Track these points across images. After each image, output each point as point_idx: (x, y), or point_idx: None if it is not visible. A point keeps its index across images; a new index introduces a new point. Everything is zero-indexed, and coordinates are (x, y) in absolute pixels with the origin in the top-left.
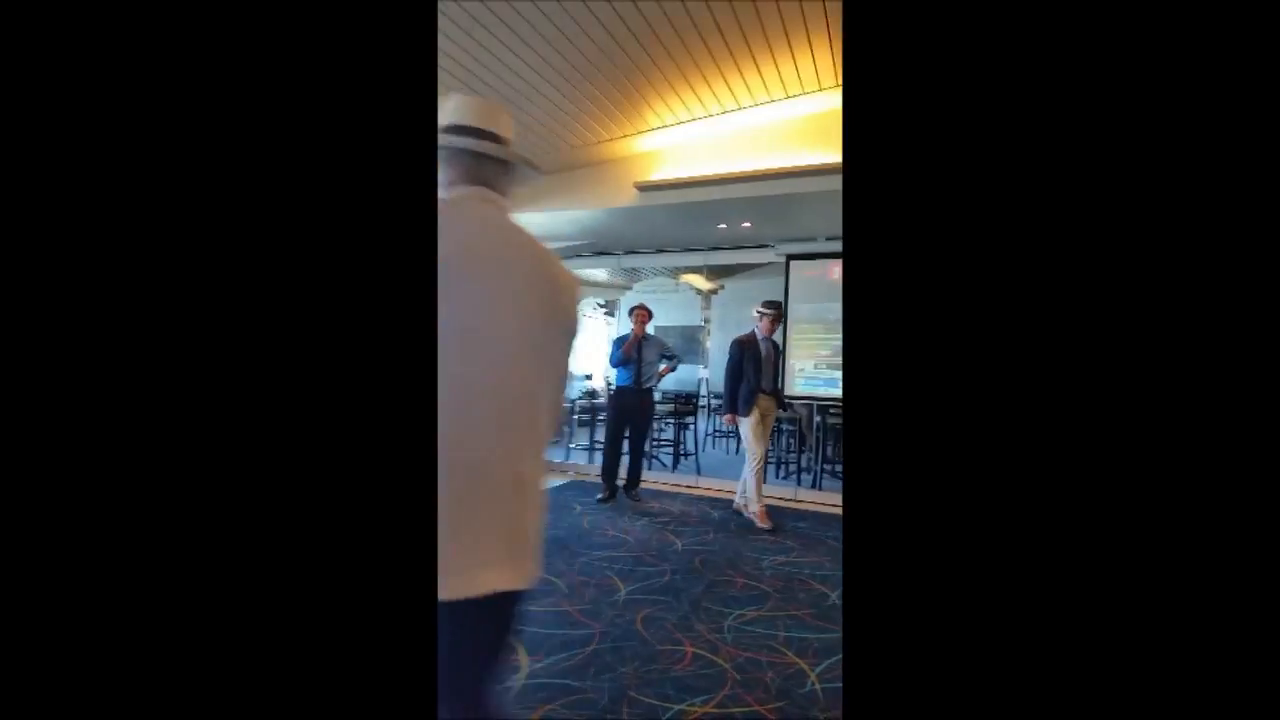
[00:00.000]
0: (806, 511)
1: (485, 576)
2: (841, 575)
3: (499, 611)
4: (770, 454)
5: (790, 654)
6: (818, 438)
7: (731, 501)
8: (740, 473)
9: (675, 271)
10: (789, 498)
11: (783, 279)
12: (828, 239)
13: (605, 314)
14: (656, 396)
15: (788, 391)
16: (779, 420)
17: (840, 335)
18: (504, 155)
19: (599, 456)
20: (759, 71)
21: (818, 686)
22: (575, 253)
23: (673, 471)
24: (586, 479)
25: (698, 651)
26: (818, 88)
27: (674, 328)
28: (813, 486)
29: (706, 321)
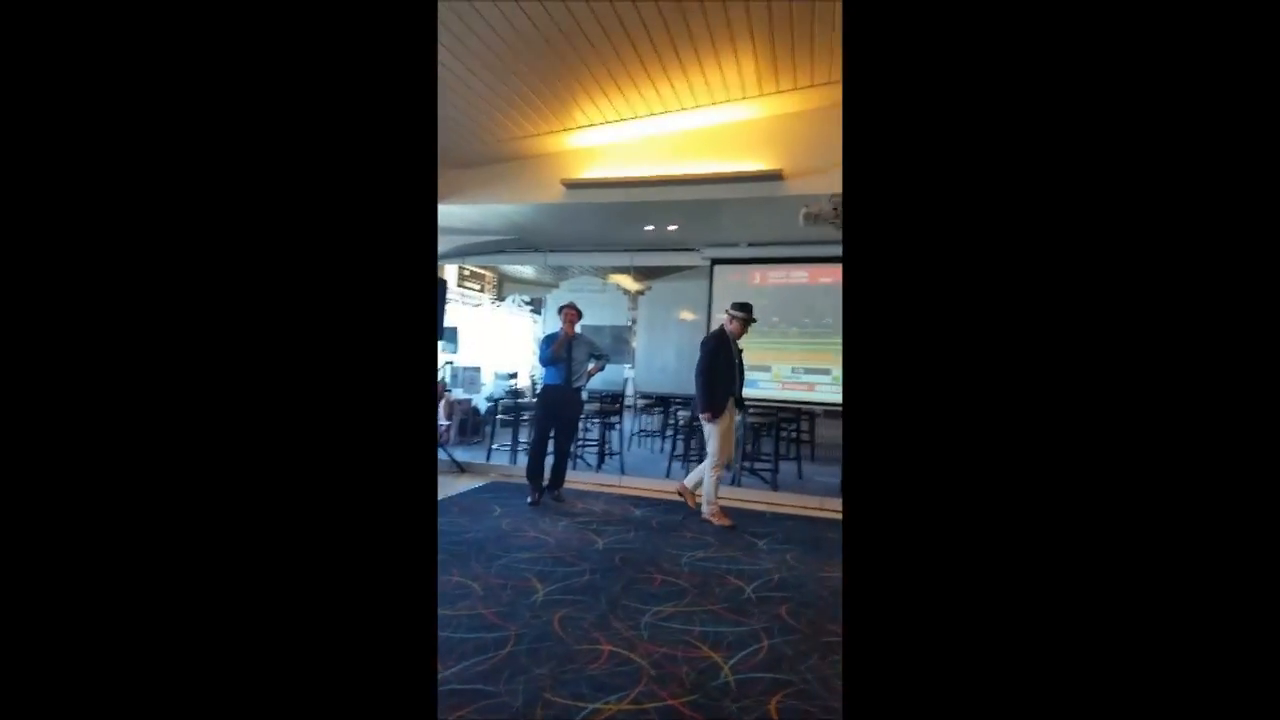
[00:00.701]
0: (725, 508)
1: None
2: (757, 569)
3: None
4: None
5: (705, 648)
6: (739, 437)
7: (666, 500)
8: (703, 480)
9: (603, 271)
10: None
11: (707, 282)
12: (750, 244)
13: (531, 311)
14: (584, 396)
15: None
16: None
17: (767, 338)
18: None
19: (524, 458)
20: (686, 77)
21: (730, 678)
22: (500, 248)
23: (597, 471)
24: (508, 480)
25: (614, 649)
26: (742, 96)
27: (602, 327)
28: (732, 484)
29: (633, 322)
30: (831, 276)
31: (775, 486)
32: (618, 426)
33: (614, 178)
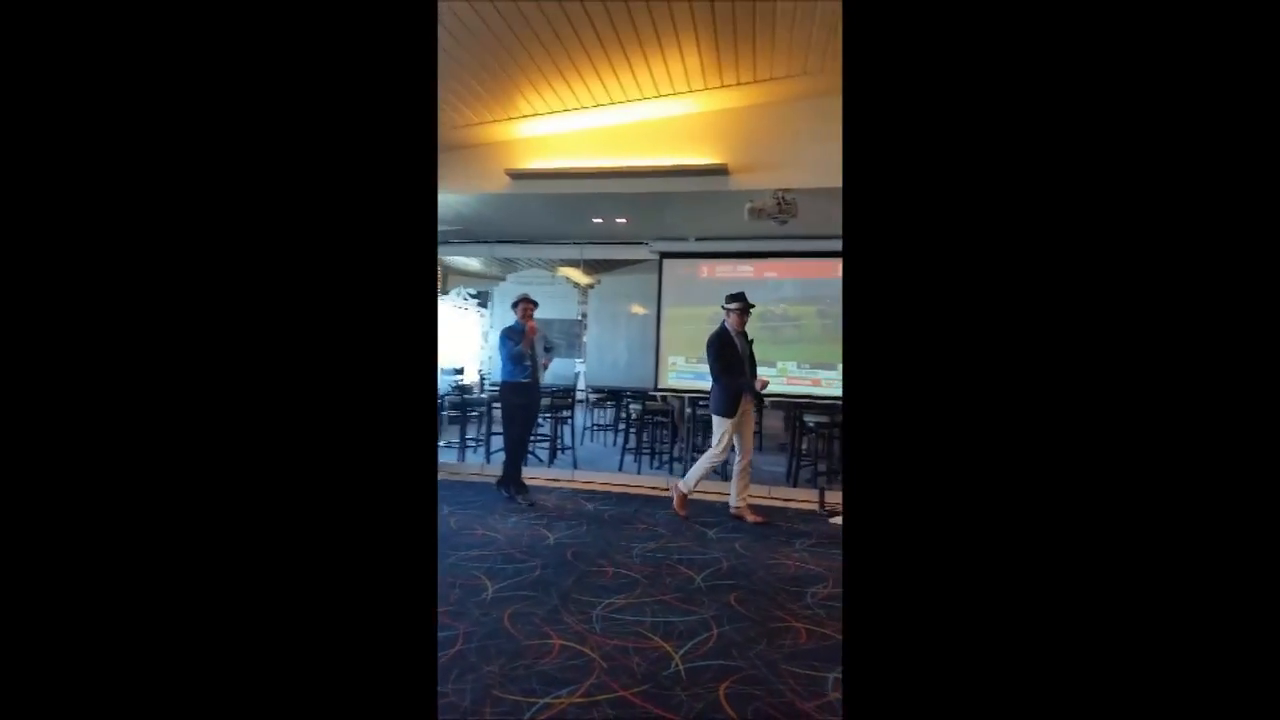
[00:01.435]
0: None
1: None
2: (707, 558)
3: None
4: (681, 449)
5: (656, 638)
6: (688, 429)
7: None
8: (731, 477)
9: (552, 264)
10: (660, 486)
11: (655, 275)
12: (698, 239)
13: (478, 305)
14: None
15: (660, 384)
16: (653, 413)
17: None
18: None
19: (471, 455)
20: (631, 70)
21: (681, 667)
22: (444, 239)
23: (549, 466)
24: (455, 478)
25: (565, 643)
26: (688, 89)
27: (552, 321)
28: (684, 475)
29: (583, 316)
30: (775, 271)
31: (725, 477)
32: (570, 421)
33: (560, 168)
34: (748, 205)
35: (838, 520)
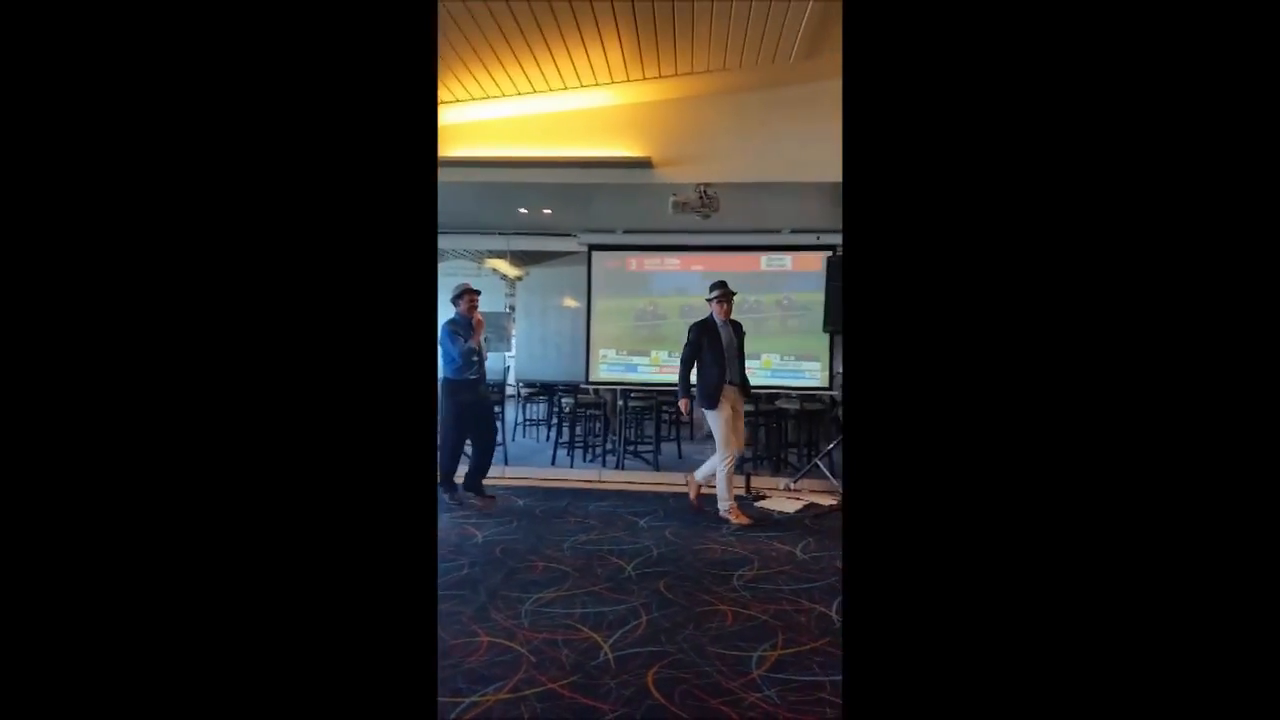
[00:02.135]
0: (609, 491)
1: None
2: (638, 547)
3: None
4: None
5: (586, 629)
6: (621, 421)
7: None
8: (715, 474)
9: (478, 255)
10: (593, 479)
11: (585, 267)
12: (626, 231)
13: None
14: None
15: (591, 378)
16: (585, 406)
17: (645, 323)
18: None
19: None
20: (553, 59)
21: (610, 656)
22: None
23: None
24: None
25: (494, 640)
26: (610, 80)
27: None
28: (616, 467)
29: (512, 308)
30: (702, 264)
31: (657, 466)
32: (500, 417)
33: (483, 156)
34: (671, 198)
35: (763, 504)
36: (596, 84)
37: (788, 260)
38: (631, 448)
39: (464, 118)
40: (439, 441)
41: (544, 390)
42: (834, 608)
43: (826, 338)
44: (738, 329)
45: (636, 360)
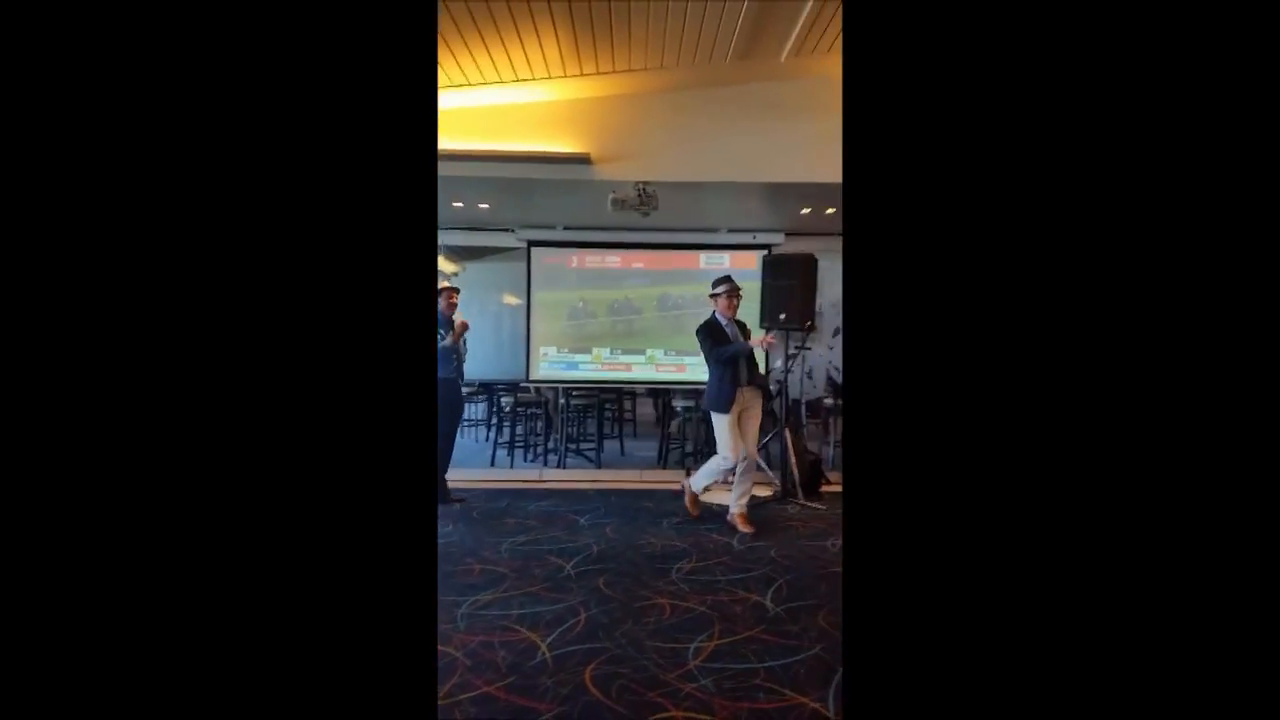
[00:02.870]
0: (550, 490)
1: None
2: (577, 545)
3: None
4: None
5: (523, 630)
6: (562, 419)
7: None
8: (709, 480)
9: None
10: (534, 479)
11: (525, 264)
12: (566, 228)
13: None
14: None
15: (531, 376)
16: (526, 405)
17: (586, 321)
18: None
19: None
20: (488, 51)
21: (548, 655)
22: None
23: None
24: None
25: None
26: (547, 75)
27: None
28: (558, 466)
29: None
30: (643, 262)
31: (599, 464)
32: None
33: None
34: (610, 195)
35: (703, 497)
36: (534, 78)
37: (726, 259)
38: (573, 446)
39: None
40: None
41: (483, 389)
42: (768, 596)
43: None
44: (742, 328)
45: (578, 358)
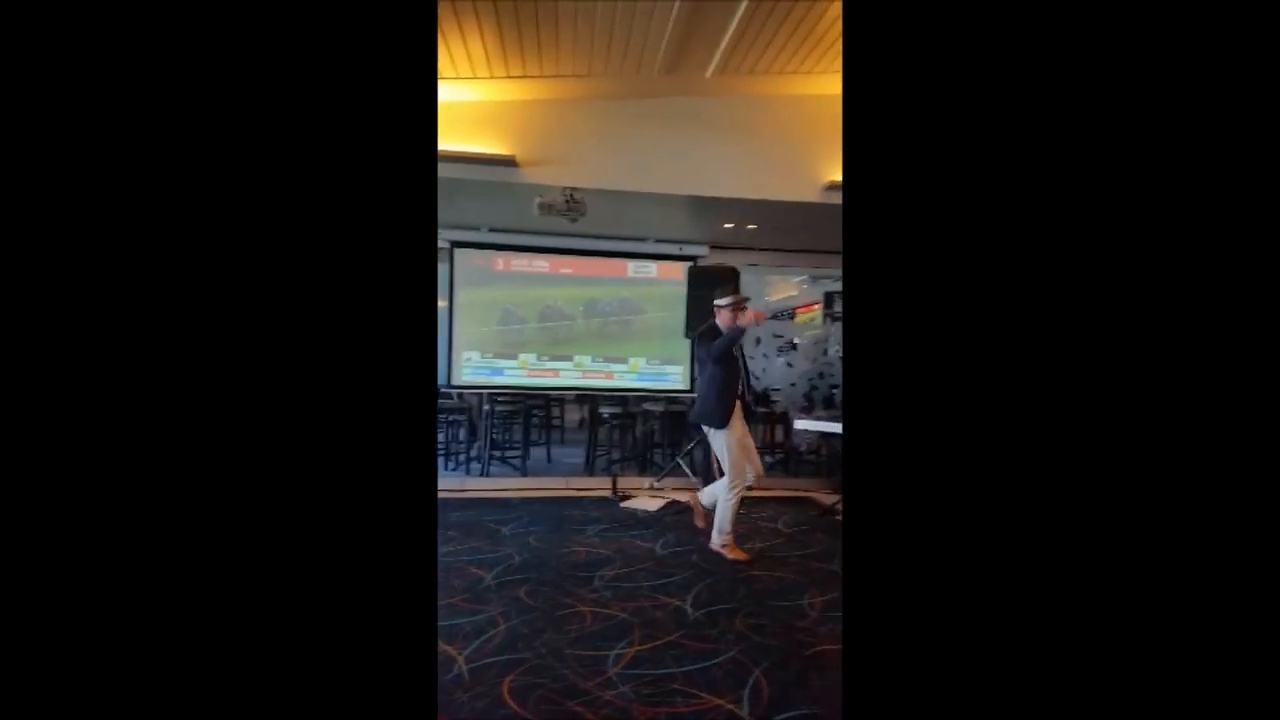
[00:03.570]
0: (473, 499)
1: None
2: (499, 555)
3: None
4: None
5: (440, 644)
6: (486, 426)
7: None
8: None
9: None
10: (455, 488)
11: (448, 265)
12: (492, 230)
13: None
14: None
15: (454, 381)
16: (448, 411)
17: (512, 326)
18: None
19: None
20: None
21: (464, 669)
22: None
23: None
24: None
25: None
26: (472, 75)
27: None
28: (482, 474)
29: None
30: (571, 267)
31: (524, 472)
32: None
33: None
34: (537, 200)
35: (628, 504)
36: (459, 77)
37: (653, 268)
38: (498, 454)
39: None
40: None
41: None
42: (688, 601)
43: (688, 343)
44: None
45: (503, 363)
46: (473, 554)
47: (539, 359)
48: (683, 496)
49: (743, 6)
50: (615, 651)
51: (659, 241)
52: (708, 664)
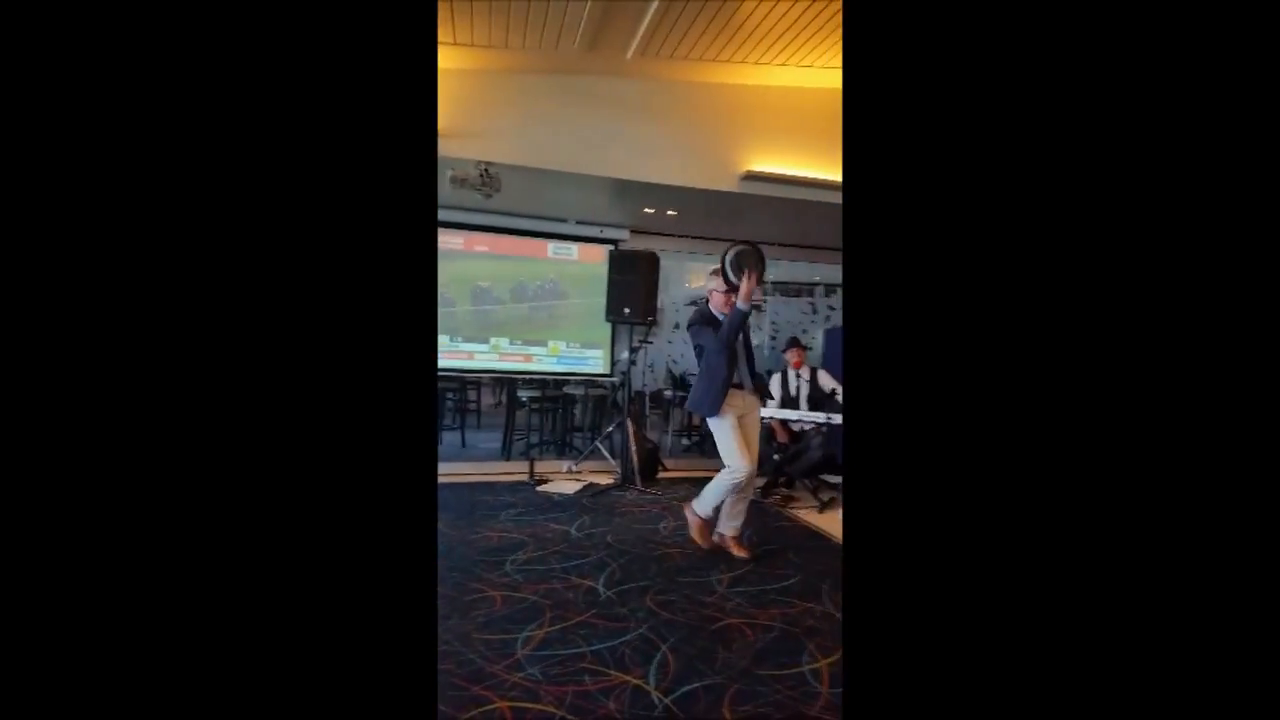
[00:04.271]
0: None
1: None
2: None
3: None
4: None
5: None
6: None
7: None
8: (718, 498)
9: None
10: None
11: None
12: None
13: None
14: None
15: None
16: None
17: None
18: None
19: None
20: None
21: None
22: None
23: None
24: None
25: None
26: None
27: None
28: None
29: None
30: (486, 245)
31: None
32: None
33: None
34: (450, 173)
35: (544, 487)
36: None
37: (574, 250)
38: None
39: None
40: None
41: None
42: (600, 581)
43: (609, 327)
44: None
45: None
46: None
47: (452, 340)
48: (601, 479)
49: None
50: (525, 634)
51: (580, 223)
52: (617, 642)
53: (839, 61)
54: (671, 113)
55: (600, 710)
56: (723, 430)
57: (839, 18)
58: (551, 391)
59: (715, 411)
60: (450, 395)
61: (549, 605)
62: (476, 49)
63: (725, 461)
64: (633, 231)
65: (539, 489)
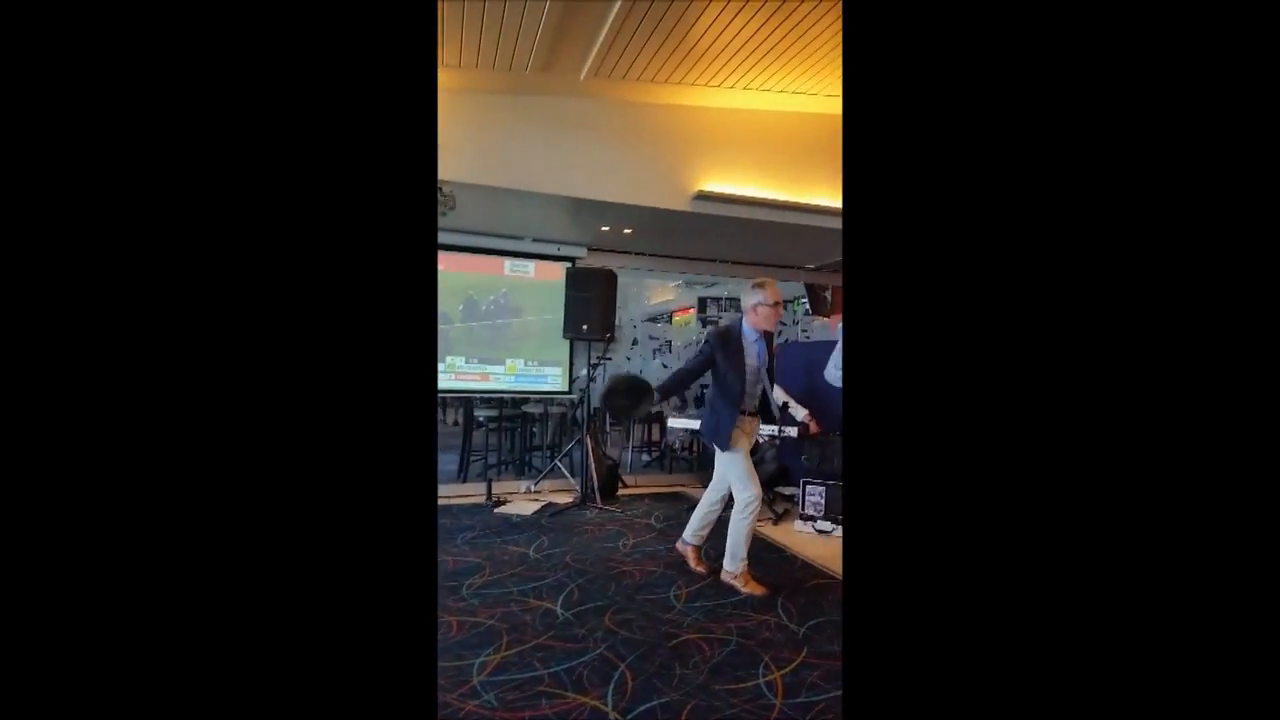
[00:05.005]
0: None
1: None
2: None
3: None
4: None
5: None
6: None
7: None
8: (704, 523)
9: None
10: None
11: None
12: None
13: None
14: None
15: None
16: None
17: None
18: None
19: None
20: None
21: None
22: None
23: None
24: None
25: None
26: None
27: None
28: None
29: None
30: (445, 264)
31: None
32: None
33: None
34: None
35: (503, 508)
36: None
37: (531, 267)
38: None
39: None
40: None
41: None
42: (559, 602)
43: (567, 344)
44: (769, 340)
45: None
46: None
47: None
48: (560, 499)
49: (614, 9)
50: (480, 659)
51: (537, 241)
52: (574, 663)
53: (788, 85)
54: (625, 133)
55: None
56: (734, 463)
57: (786, 42)
58: (509, 410)
59: (726, 445)
60: None
61: (506, 629)
62: (445, 68)
63: (735, 492)
64: (590, 249)
65: (497, 510)
